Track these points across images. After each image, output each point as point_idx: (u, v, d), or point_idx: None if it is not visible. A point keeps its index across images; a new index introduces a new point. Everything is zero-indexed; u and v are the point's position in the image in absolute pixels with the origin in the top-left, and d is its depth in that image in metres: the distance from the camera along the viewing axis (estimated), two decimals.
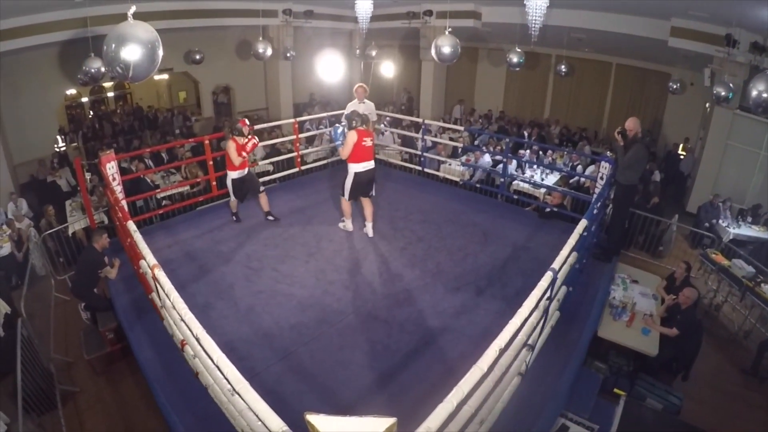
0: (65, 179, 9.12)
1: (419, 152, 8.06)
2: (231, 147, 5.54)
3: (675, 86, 9.74)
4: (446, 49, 5.84)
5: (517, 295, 4.50)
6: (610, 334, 4.71)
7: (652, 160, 9.60)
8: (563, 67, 10.72)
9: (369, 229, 5.84)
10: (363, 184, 5.49)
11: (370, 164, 5.44)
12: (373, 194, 5.79)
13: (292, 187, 7.37)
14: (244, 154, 5.58)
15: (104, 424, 4.33)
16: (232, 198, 5.99)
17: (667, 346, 4.65)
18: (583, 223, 3.99)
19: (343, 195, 5.57)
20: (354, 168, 5.35)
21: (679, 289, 5.06)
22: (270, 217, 6.20)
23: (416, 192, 7.30)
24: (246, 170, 5.82)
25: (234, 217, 6.17)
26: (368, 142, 5.34)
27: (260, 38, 9.20)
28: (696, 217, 8.71)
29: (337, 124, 5.54)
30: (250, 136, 5.72)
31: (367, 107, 6.92)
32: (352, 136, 5.19)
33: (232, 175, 5.73)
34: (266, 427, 1.99)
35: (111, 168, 5.36)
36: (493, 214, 6.46)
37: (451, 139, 10.02)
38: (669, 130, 11.84)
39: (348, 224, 5.94)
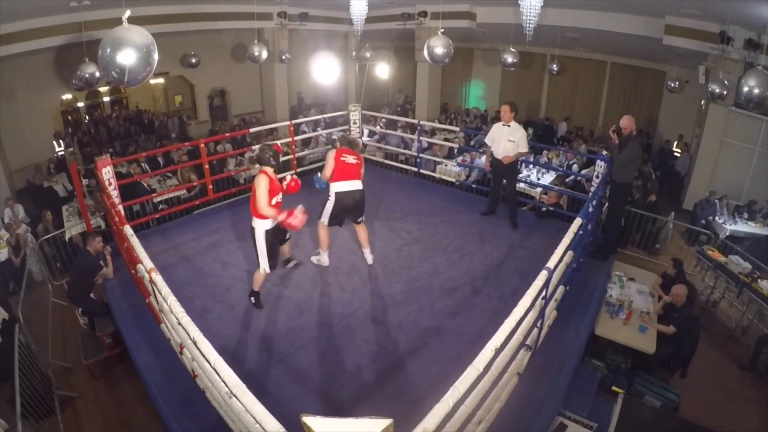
0: (62, 184, 9.11)
1: (415, 153, 8.07)
2: (262, 184, 3.96)
3: (673, 85, 9.77)
4: (439, 50, 5.83)
5: (514, 295, 4.50)
6: (607, 332, 4.73)
7: (645, 160, 9.64)
8: (555, 66, 10.74)
9: (368, 255, 5.18)
10: (347, 208, 4.79)
11: (355, 184, 4.73)
12: (363, 219, 5.01)
13: None
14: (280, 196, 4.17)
15: (103, 428, 4.33)
16: (263, 269, 4.25)
17: (665, 344, 4.67)
18: (578, 221, 3.99)
19: (320, 218, 4.85)
20: (334, 188, 4.71)
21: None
22: (290, 264, 5.08)
23: (412, 193, 7.31)
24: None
25: (253, 299, 4.44)
26: (350, 159, 4.72)
27: (255, 41, 9.19)
28: (692, 214, 8.76)
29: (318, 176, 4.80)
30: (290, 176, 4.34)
31: (512, 133, 5.69)
32: (331, 154, 4.75)
33: (264, 225, 4.12)
34: (264, 430, 1.99)
35: (107, 173, 5.35)
36: (489, 215, 6.45)
37: (446, 140, 10.03)
38: (664, 128, 11.90)
39: (324, 258, 5.10)
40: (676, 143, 11.17)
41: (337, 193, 4.72)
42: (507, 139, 5.71)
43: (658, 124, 12.10)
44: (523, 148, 5.76)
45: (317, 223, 4.94)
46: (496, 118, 13.66)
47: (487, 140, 6.03)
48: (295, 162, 7.57)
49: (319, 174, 4.82)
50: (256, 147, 4.07)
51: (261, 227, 4.13)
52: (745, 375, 5.29)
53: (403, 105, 15.45)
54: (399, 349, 3.94)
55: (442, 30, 5.85)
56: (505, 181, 6.14)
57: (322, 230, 4.93)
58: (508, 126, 5.70)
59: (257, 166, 4.19)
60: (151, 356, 3.88)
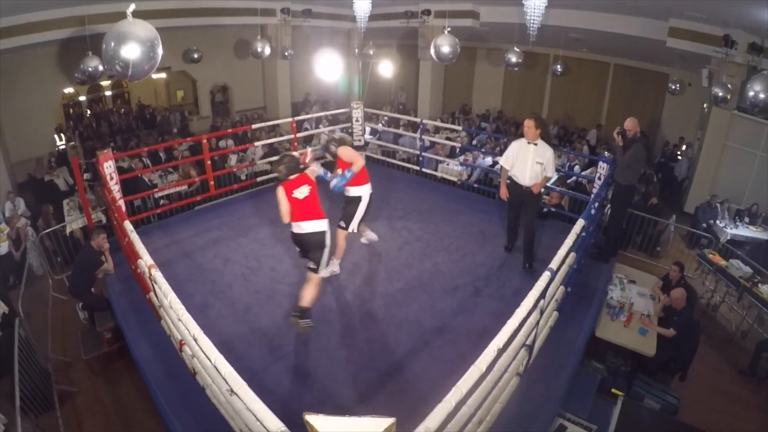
0: (63, 178, 9.10)
1: (417, 152, 8.05)
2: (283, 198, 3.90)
3: (675, 87, 9.76)
4: (445, 49, 5.82)
5: (515, 295, 4.51)
6: (607, 335, 4.72)
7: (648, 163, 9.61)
8: (558, 66, 10.72)
9: (336, 265, 4.92)
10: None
11: None
12: None
13: None
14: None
15: (102, 424, 4.32)
16: (324, 270, 4.09)
17: (665, 347, 4.66)
18: (580, 223, 3.98)
19: (347, 227, 4.71)
20: (366, 189, 4.66)
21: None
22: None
23: (414, 192, 7.30)
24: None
25: (309, 322, 3.87)
26: None
27: (258, 37, 9.17)
28: (693, 218, 8.74)
29: (320, 170, 4.32)
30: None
31: (538, 153, 4.75)
32: (357, 154, 4.47)
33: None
34: (265, 428, 1.99)
35: (109, 167, 5.34)
36: (491, 214, 6.45)
37: (448, 138, 10.01)
38: (667, 131, 11.88)
39: (336, 267, 4.89)
40: (674, 145, 11.14)
41: (371, 195, 4.70)
42: (534, 161, 4.76)
43: (661, 126, 12.07)
44: (550, 171, 4.82)
45: (339, 234, 4.75)
46: (498, 118, 13.76)
47: (504, 162, 5.02)
48: None
49: (329, 175, 4.45)
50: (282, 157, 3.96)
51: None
52: (744, 379, 5.29)
53: (405, 104, 15.42)
54: (400, 348, 3.93)
55: (449, 29, 5.83)
56: (524, 208, 5.12)
57: (344, 239, 4.81)
58: (535, 144, 4.76)
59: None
60: (151, 352, 3.88)
